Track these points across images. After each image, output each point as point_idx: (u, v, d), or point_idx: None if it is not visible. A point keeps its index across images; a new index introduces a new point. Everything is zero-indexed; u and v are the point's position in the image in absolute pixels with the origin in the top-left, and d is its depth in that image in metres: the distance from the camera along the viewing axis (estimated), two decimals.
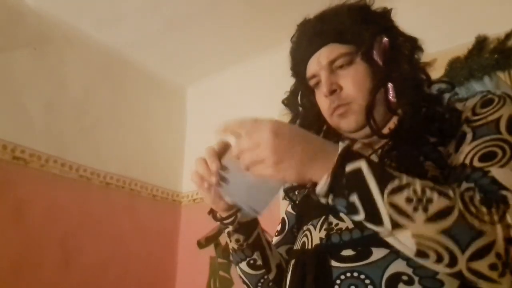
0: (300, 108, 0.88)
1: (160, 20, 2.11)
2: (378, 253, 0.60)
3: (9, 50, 1.87)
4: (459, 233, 0.50)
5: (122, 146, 2.27)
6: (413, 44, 0.77)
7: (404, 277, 0.58)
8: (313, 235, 0.71)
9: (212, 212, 0.78)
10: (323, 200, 0.57)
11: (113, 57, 2.33)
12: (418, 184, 0.53)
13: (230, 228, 0.77)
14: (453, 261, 0.51)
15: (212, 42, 2.27)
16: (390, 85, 0.73)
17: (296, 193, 0.88)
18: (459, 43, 1.65)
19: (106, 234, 2.06)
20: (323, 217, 0.71)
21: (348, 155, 0.55)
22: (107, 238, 2.06)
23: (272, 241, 0.90)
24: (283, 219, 0.94)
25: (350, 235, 0.65)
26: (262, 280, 0.82)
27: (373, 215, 0.53)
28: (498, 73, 1.59)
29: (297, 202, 0.88)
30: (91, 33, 2.19)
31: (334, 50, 0.76)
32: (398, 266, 0.59)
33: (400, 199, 0.52)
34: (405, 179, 0.54)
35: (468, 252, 0.50)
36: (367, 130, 0.76)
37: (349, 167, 0.54)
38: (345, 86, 0.75)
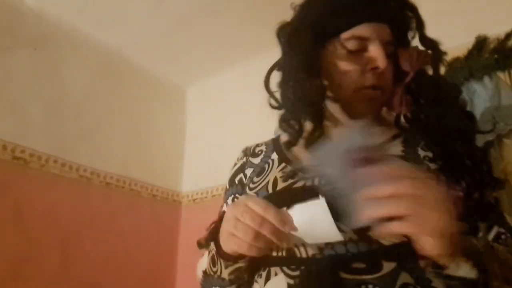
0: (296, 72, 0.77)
1: (160, 20, 2.11)
2: (388, 266, 0.62)
3: (9, 50, 1.87)
4: None
5: (122, 146, 2.27)
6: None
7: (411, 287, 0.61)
8: (306, 243, 0.66)
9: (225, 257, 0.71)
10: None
11: (113, 57, 2.33)
12: None
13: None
14: None
15: (212, 42, 2.27)
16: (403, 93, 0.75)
17: (260, 186, 0.79)
18: (459, 43, 1.65)
19: (106, 234, 2.06)
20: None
21: None
22: (107, 238, 2.06)
23: None
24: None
25: (357, 247, 0.63)
26: None
27: None
28: (498, 73, 1.59)
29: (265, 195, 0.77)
30: (91, 33, 2.19)
31: (390, 36, 0.75)
32: (404, 277, 0.61)
33: None
34: None
35: None
36: (368, 120, 0.77)
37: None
38: (386, 72, 0.74)
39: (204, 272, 0.79)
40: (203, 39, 2.25)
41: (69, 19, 2.09)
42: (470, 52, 1.63)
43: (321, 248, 0.65)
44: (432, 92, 0.75)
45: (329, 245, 0.65)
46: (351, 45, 0.73)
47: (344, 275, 0.62)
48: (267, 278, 0.70)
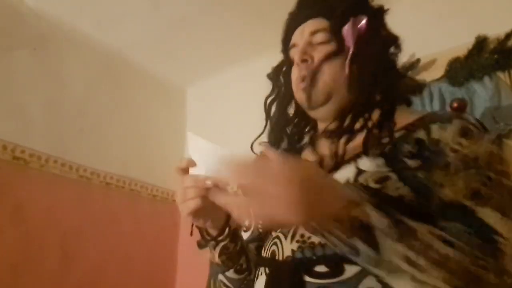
0: (282, 85, 0.89)
1: (160, 20, 2.11)
2: (351, 270, 0.61)
3: (9, 50, 1.87)
4: None
5: (122, 146, 2.27)
6: (391, 41, 0.77)
7: None
8: (284, 246, 0.69)
9: (203, 235, 0.77)
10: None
11: (113, 57, 2.32)
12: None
13: (223, 240, 0.75)
14: None
15: (212, 42, 2.27)
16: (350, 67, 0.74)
17: None
18: (459, 43, 1.65)
19: (106, 234, 2.06)
20: (294, 227, 0.69)
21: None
22: (107, 238, 2.06)
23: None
24: None
25: (323, 250, 0.63)
26: (245, 282, 0.81)
27: None
28: (498, 73, 1.59)
29: None
30: (91, 33, 2.19)
31: (318, 24, 0.77)
32: (369, 282, 0.59)
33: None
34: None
35: None
36: (327, 110, 0.76)
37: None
38: (317, 59, 0.76)
39: (209, 260, 0.83)
40: (203, 39, 2.25)
41: (69, 19, 2.09)
42: (470, 52, 1.63)
43: (294, 250, 0.67)
44: (371, 63, 0.74)
45: (300, 248, 0.66)
46: (292, 53, 0.81)
47: (308, 279, 0.63)
48: (257, 277, 0.75)
